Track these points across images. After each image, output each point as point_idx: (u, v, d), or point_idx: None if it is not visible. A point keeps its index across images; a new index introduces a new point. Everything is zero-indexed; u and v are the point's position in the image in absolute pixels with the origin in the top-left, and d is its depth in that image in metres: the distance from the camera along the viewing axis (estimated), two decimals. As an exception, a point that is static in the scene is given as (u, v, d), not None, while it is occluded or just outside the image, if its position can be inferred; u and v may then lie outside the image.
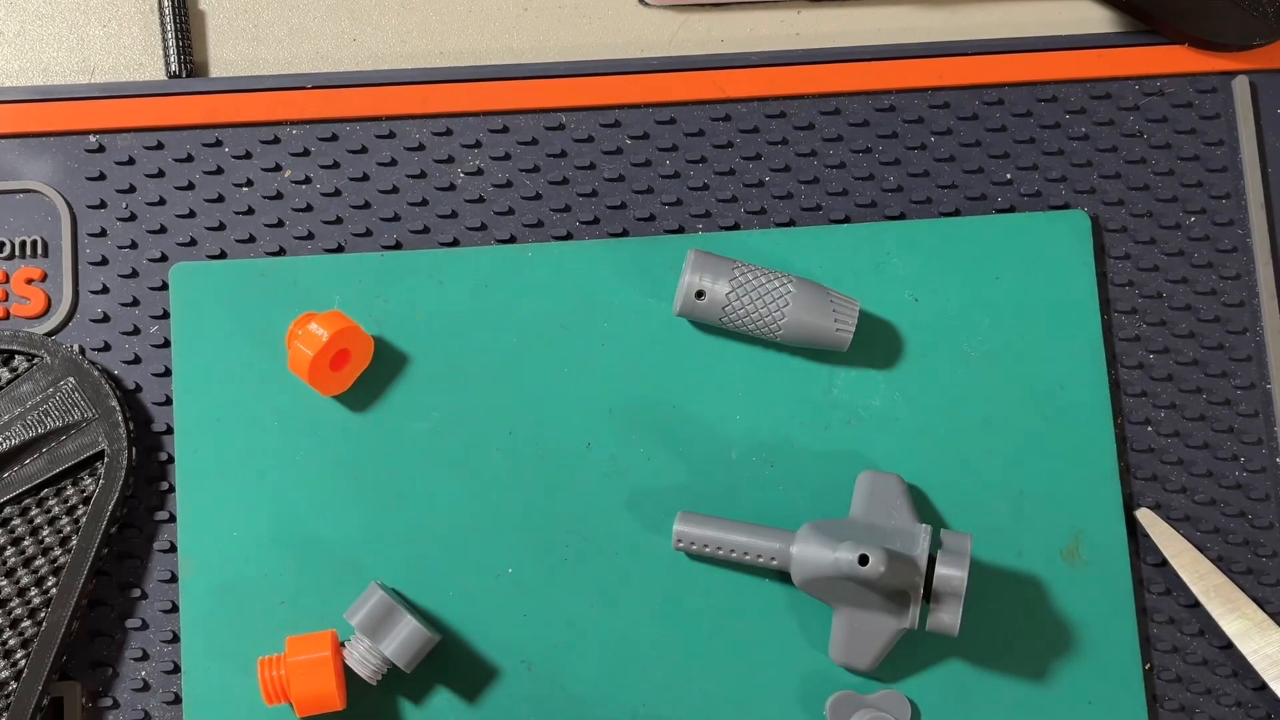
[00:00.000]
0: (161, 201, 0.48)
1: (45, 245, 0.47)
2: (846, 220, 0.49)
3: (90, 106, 0.48)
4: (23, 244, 0.47)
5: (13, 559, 0.44)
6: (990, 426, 0.47)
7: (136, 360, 0.47)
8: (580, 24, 0.51)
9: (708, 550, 0.44)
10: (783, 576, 0.45)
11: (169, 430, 0.46)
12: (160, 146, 0.48)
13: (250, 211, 0.48)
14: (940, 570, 0.42)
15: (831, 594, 0.43)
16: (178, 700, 0.45)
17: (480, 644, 0.45)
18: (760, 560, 0.44)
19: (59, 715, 0.45)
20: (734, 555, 0.44)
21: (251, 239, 0.48)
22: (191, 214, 0.48)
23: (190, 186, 0.48)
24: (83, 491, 0.45)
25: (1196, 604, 0.46)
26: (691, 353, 0.47)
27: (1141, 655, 0.46)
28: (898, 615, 0.43)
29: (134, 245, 0.47)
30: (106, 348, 0.47)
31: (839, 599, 0.43)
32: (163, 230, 0.47)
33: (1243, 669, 0.46)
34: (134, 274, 0.47)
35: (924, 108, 0.50)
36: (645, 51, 0.51)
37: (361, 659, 0.43)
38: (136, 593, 0.45)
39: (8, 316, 0.47)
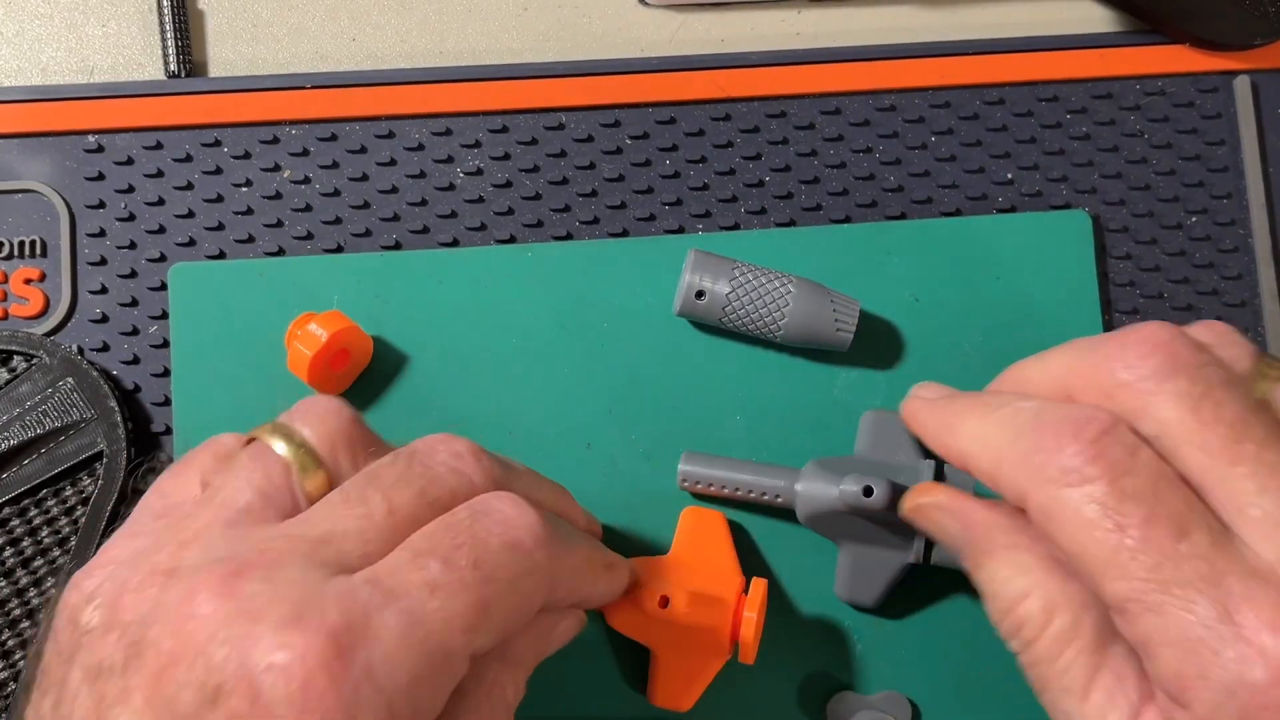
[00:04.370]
0: (160, 201, 0.47)
1: (44, 245, 0.47)
2: (847, 220, 0.49)
3: (89, 106, 0.48)
4: (21, 244, 0.47)
5: (11, 560, 0.44)
6: (991, 427, 0.47)
7: (135, 361, 0.47)
8: (580, 23, 0.51)
9: (712, 489, 0.44)
10: (788, 515, 0.45)
11: (168, 431, 0.46)
12: (159, 146, 0.48)
13: (249, 211, 0.48)
14: None
15: (837, 530, 0.43)
16: (177, 701, 0.45)
17: (480, 644, 0.45)
18: (765, 498, 0.44)
19: (58, 716, 0.45)
20: (739, 494, 0.44)
21: (251, 239, 0.47)
22: (190, 214, 0.48)
23: (189, 186, 0.48)
24: (81, 492, 0.45)
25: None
26: (691, 353, 0.47)
27: (1142, 656, 0.46)
28: (902, 550, 0.43)
29: (133, 245, 0.47)
30: (105, 348, 0.47)
31: (844, 535, 0.44)
32: (162, 230, 0.47)
33: (1244, 669, 0.46)
34: (133, 274, 0.47)
35: (924, 107, 0.50)
36: (645, 51, 0.51)
37: (361, 660, 0.43)
38: (135, 593, 0.45)
39: (6, 317, 0.46)
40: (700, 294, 0.45)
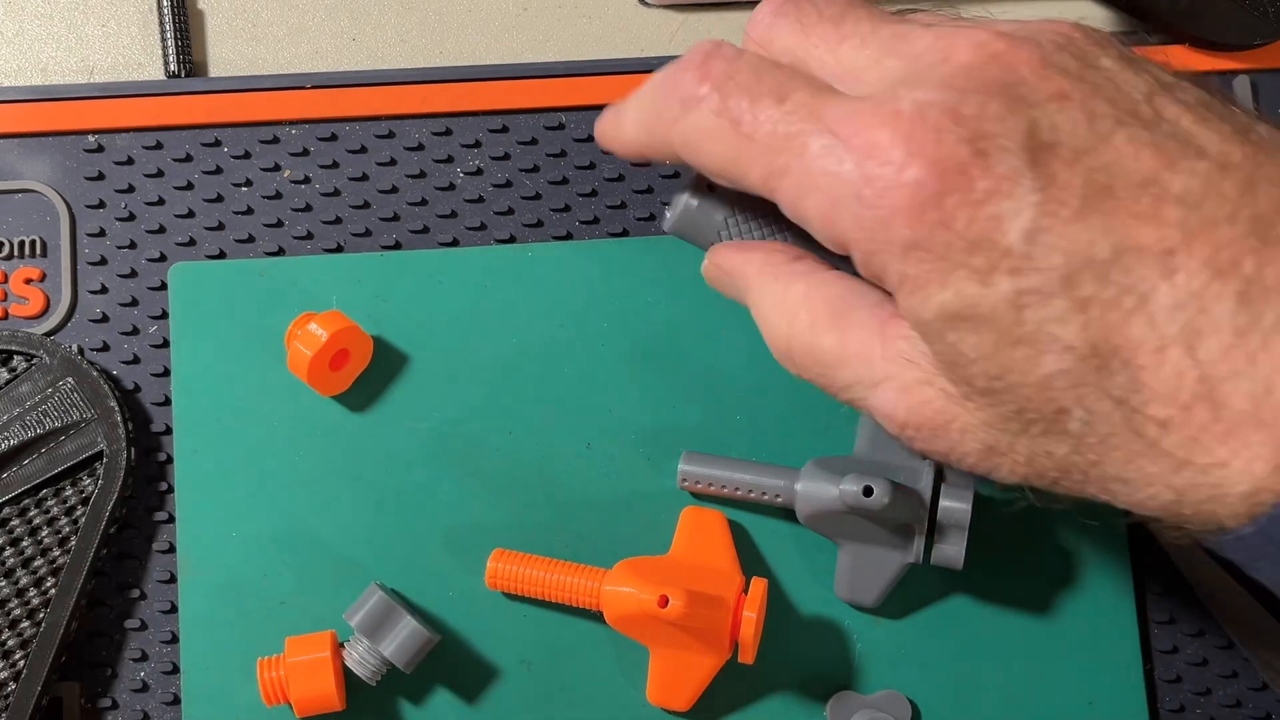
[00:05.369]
0: (160, 201, 0.47)
1: (44, 245, 0.47)
2: (847, 220, 0.49)
3: (89, 106, 0.48)
4: (21, 244, 0.47)
5: (11, 560, 0.44)
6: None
7: (135, 360, 0.47)
8: (580, 23, 0.51)
9: (712, 489, 0.44)
10: (788, 515, 0.45)
11: (168, 431, 0.46)
12: (159, 146, 0.48)
13: (249, 211, 0.48)
14: (944, 503, 0.42)
15: (836, 529, 0.44)
16: (176, 701, 0.45)
17: (480, 644, 0.45)
18: (765, 498, 0.44)
19: (58, 716, 0.45)
20: (739, 493, 0.44)
21: (251, 239, 0.47)
22: (191, 214, 0.48)
23: (189, 186, 0.48)
24: (81, 492, 0.45)
25: (1197, 604, 0.46)
26: (692, 353, 0.47)
27: (1141, 655, 0.46)
28: (902, 550, 0.43)
29: (133, 245, 0.47)
30: (105, 348, 0.47)
31: (844, 535, 0.44)
32: (162, 230, 0.47)
33: (1243, 669, 0.46)
34: (133, 274, 0.47)
35: (924, 107, 0.50)
36: (645, 51, 0.51)
37: (361, 659, 0.43)
38: (135, 593, 0.45)
39: (6, 317, 0.46)
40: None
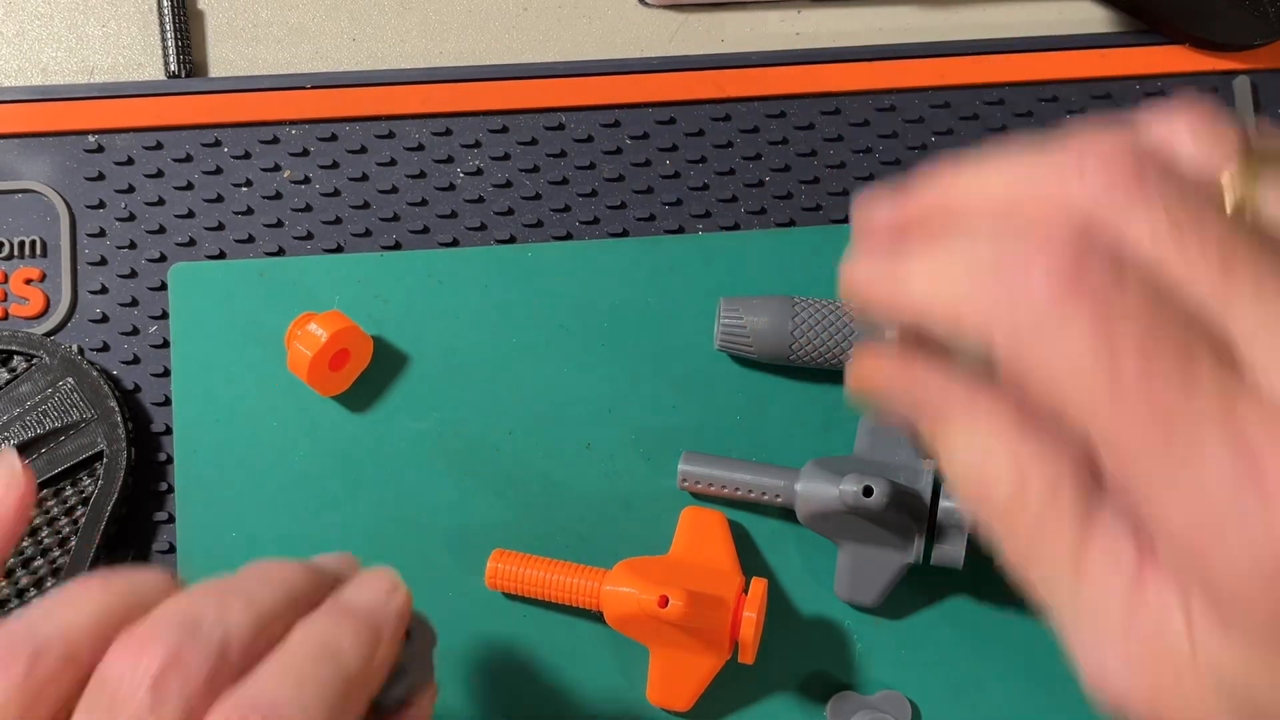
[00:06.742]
0: (160, 201, 0.47)
1: (44, 245, 0.47)
2: (847, 220, 0.49)
3: (89, 106, 0.48)
4: (21, 244, 0.47)
5: (11, 560, 0.44)
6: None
7: (135, 361, 0.47)
8: (580, 24, 0.51)
9: (712, 489, 0.44)
10: (788, 515, 0.45)
11: (168, 431, 0.46)
12: (159, 146, 0.48)
13: (249, 211, 0.48)
14: (944, 503, 0.42)
15: (836, 529, 0.44)
16: (177, 701, 0.45)
17: (480, 644, 0.45)
18: (765, 498, 0.44)
19: (58, 716, 0.45)
20: (739, 493, 0.44)
21: (251, 239, 0.47)
22: (191, 214, 0.48)
23: (189, 186, 0.48)
24: (81, 492, 0.45)
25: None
26: (691, 353, 0.47)
27: (1142, 656, 0.46)
28: (902, 550, 0.43)
29: (133, 245, 0.47)
30: (105, 348, 0.47)
31: (844, 535, 0.44)
32: (162, 230, 0.47)
33: (1243, 669, 0.46)
34: (133, 274, 0.47)
35: (924, 108, 0.50)
36: (645, 51, 0.51)
37: (361, 660, 0.43)
38: (136, 593, 0.45)
39: (6, 317, 0.46)
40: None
